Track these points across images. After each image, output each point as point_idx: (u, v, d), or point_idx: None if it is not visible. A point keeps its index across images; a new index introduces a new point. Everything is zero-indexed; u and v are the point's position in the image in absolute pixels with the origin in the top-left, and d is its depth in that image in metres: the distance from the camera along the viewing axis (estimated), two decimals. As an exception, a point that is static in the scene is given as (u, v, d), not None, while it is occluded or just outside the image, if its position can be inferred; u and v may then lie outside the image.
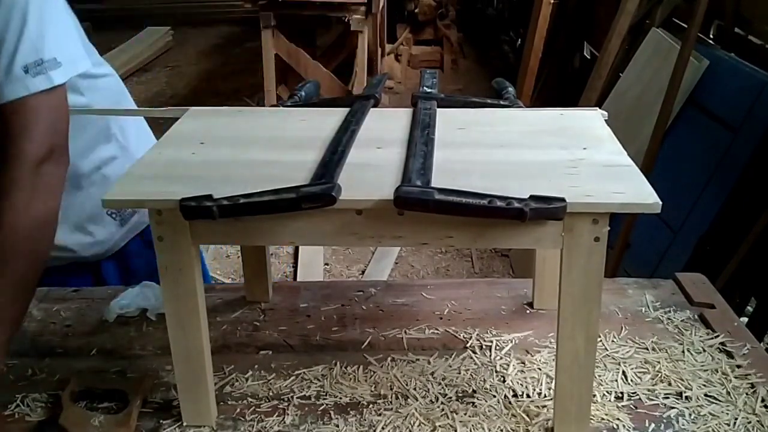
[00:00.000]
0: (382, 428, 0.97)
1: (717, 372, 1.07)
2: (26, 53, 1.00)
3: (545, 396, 1.03)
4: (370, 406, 1.02)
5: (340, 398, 1.03)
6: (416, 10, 6.14)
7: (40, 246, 1.02)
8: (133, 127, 1.41)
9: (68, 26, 1.10)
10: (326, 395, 1.04)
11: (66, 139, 1.06)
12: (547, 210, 0.81)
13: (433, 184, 0.84)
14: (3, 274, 0.97)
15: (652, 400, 1.02)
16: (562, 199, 0.81)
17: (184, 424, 0.98)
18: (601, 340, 1.13)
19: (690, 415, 0.99)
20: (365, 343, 1.16)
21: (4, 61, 0.99)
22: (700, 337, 1.15)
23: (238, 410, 1.01)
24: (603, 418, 0.98)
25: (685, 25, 2.61)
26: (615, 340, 1.15)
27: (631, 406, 1.01)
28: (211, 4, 7.95)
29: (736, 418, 0.98)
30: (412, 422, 0.98)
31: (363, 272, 3.29)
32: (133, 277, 1.40)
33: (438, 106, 1.12)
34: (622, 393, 1.03)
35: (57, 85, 1.03)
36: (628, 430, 0.97)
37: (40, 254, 1.02)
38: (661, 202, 0.82)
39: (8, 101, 0.99)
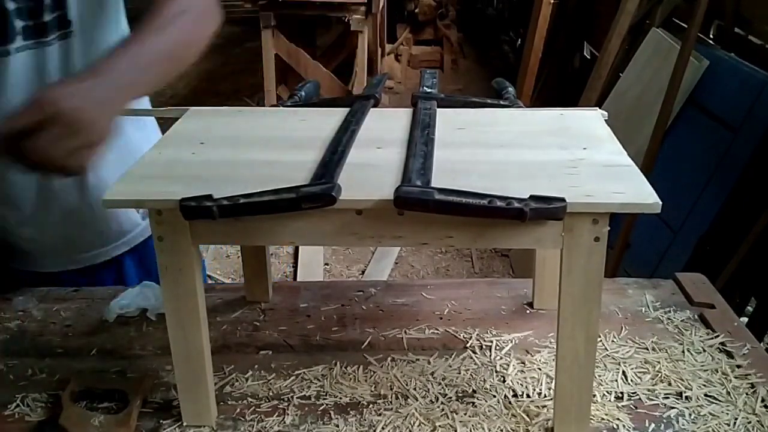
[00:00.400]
0: (382, 428, 0.97)
1: (717, 372, 1.07)
2: None
3: (545, 396, 1.03)
4: (370, 406, 1.02)
5: (340, 398, 1.03)
6: (416, 10, 6.15)
7: (203, 30, 1.04)
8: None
9: None
10: (326, 395, 1.04)
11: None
12: (547, 210, 0.81)
13: (433, 184, 0.84)
14: (158, 36, 0.97)
15: (652, 400, 1.02)
16: (562, 199, 0.81)
17: (184, 424, 0.98)
18: (601, 340, 1.13)
19: (690, 415, 0.99)
20: (365, 343, 1.16)
21: None
22: (700, 337, 1.15)
23: (238, 410, 1.01)
24: (603, 418, 0.98)
25: (685, 25, 2.61)
26: (615, 340, 1.15)
27: (631, 406, 1.01)
28: (211, 4, 7.93)
29: (736, 418, 0.98)
30: (412, 422, 0.98)
31: (363, 272, 3.29)
32: (152, 274, 1.39)
33: (438, 106, 1.12)
34: (622, 393, 1.03)
35: None
36: (628, 430, 0.97)
37: (198, 35, 1.03)
38: (661, 202, 0.82)
39: None
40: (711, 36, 2.74)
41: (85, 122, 0.82)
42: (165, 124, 1.08)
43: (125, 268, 1.41)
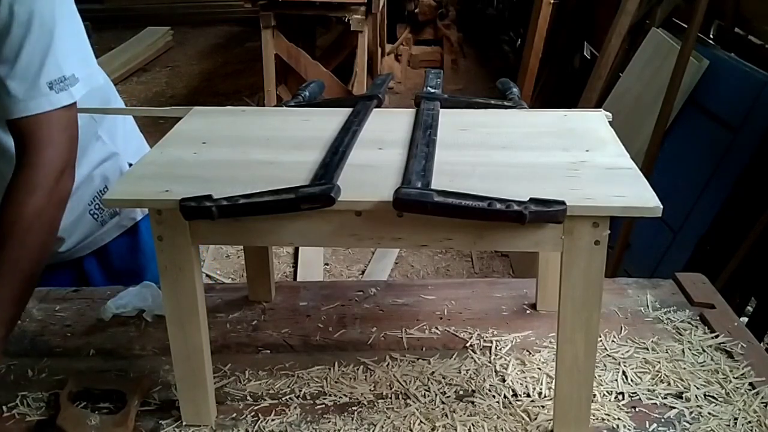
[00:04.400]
0: (382, 428, 0.97)
1: (717, 372, 1.07)
2: (51, 70, 1.06)
3: (545, 396, 1.03)
4: (370, 405, 1.02)
5: (340, 398, 1.03)
6: (416, 10, 6.15)
7: (46, 250, 1.06)
8: (121, 129, 1.41)
9: (85, 40, 1.14)
10: (326, 395, 1.04)
11: (76, 155, 1.11)
12: (546, 213, 0.81)
13: (433, 186, 0.84)
14: (12, 272, 1.01)
15: (652, 400, 1.02)
16: (562, 202, 0.81)
17: (184, 424, 0.98)
18: (601, 340, 1.13)
19: (690, 415, 0.99)
20: (365, 343, 1.16)
21: (30, 77, 1.04)
22: (700, 337, 1.15)
23: (238, 410, 1.01)
24: (603, 418, 0.98)
25: (685, 25, 2.61)
26: (615, 340, 1.15)
27: (631, 406, 1.01)
28: (211, 4, 7.94)
29: (736, 418, 0.98)
30: (412, 422, 0.98)
31: (363, 272, 3.28)
32: (116, 275, 1.41)
33: (441, 107, 1.12)
34: (622, 393, 1.03)
35: (74, 101, 1.09)
36: (628, 430, 0.97)
37: (44, 258, 1.06)
38: (662, 206, 0.81)
39: (33, 114, 1.05)
40: (711, 36, 2.74)
41: None
42: (166, 124, 1.08)
43: (86, 269, 1.42)
